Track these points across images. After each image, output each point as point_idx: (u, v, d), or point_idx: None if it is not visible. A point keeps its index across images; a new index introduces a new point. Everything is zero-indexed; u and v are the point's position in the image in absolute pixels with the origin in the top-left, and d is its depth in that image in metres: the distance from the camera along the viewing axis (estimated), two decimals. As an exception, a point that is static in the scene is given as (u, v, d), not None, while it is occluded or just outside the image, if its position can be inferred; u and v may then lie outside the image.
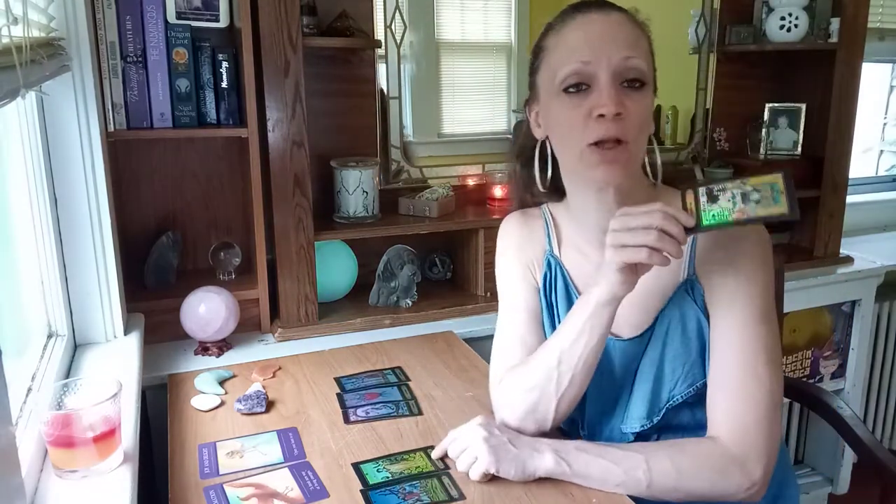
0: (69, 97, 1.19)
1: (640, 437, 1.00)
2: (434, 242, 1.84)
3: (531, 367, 0.98)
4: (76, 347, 1.26)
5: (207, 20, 1.46)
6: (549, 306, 1.07)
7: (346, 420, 1.15)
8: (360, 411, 1.18)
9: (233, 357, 1.44)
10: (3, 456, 0.68)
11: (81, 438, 0.85)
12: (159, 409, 1.28)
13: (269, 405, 1.19)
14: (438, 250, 1.87)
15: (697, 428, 0.97)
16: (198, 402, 1.20)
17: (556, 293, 1.07)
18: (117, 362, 1.21)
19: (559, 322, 1.06)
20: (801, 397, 1.38)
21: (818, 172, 2.05)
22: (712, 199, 0.86)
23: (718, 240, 0.96)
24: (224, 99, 1.49)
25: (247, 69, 1.45)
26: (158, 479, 1.27)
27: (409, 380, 1.31)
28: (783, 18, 1.98)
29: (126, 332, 1.32)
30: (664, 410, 0.97)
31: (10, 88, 0.78)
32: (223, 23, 1.47)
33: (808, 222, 2.10)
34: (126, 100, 1.40)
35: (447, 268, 1.88)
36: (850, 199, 2.12)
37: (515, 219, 1.13)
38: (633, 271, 0.89)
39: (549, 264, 1.07)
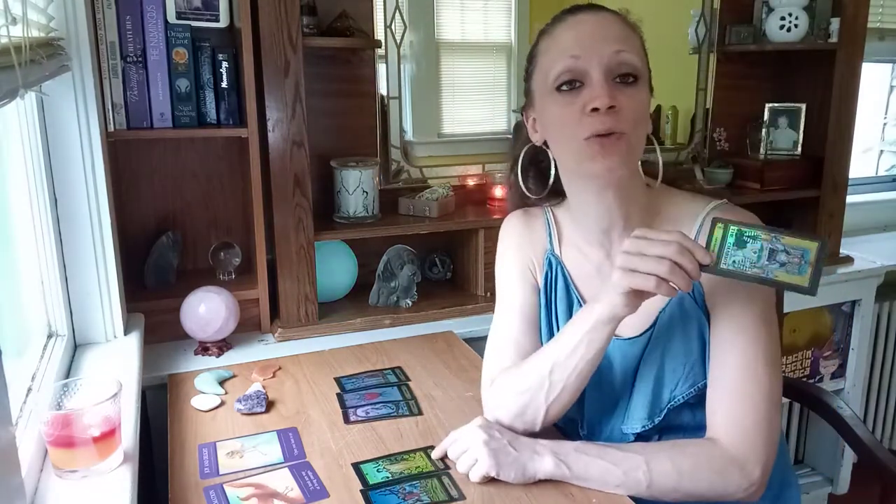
0: (69, 97, 1.19)
1: (641, 437, 0.99)
2: (434, 242, 1.84)
3: (524, 372, 0.99)
4: (76, 347, 1.26)
5: (207, 20, 1.46)
6: (548, 304, 1.07)
7: (346, 420, 1.15)
8: (360, 411, 1.18)
9: (233, 357, 1.44)
10: (3, 456, 0.68)
11: (81, 438, 0.85)
12: (159, 409, 1.28)
13: (269, 405, 1.19)
14: (438, 250, 1.87)
15: (698, 429, 0.97)
16: (198, 402, 1.20)
17: (555, 292, 1.07)
18: (117, 362, 1.21)
19: (556, 321, 1.06)
20: (801, 397, 1.38)
21: (818, 172, 2.05)
22: (740, 244, 0.84)
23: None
24: (224, 99, 1.49)
25: (247, 69, 1.45)
26: (158, 479, 1.27)
27: (409, 380, 1.31)
28: (783, 18, 1.98)
29: (126, 332, 1.32)
30: (665, 411, 0.97)
31: (9, 88, 0.78)
32: (223, 23, 1.47)
33: (808, 222, 2.10)
34: (126, 100, 1.40)
35: (447, 268, 1.88)
36: (850, 199, 2.13)
37: (517, 217, 1.13)
38: (637, 296, 0.87)
39: (549, 263, 1.07)
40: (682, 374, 0.96)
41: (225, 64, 1.47)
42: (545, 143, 1.01)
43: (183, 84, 1.44)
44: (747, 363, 0.91)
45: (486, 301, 1.72)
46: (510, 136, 1.94)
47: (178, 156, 1.62)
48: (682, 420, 0.99)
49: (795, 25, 1.97)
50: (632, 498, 0.91)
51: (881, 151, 2.81)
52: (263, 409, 1.17)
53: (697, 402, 0.97)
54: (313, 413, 1.18)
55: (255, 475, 0.98)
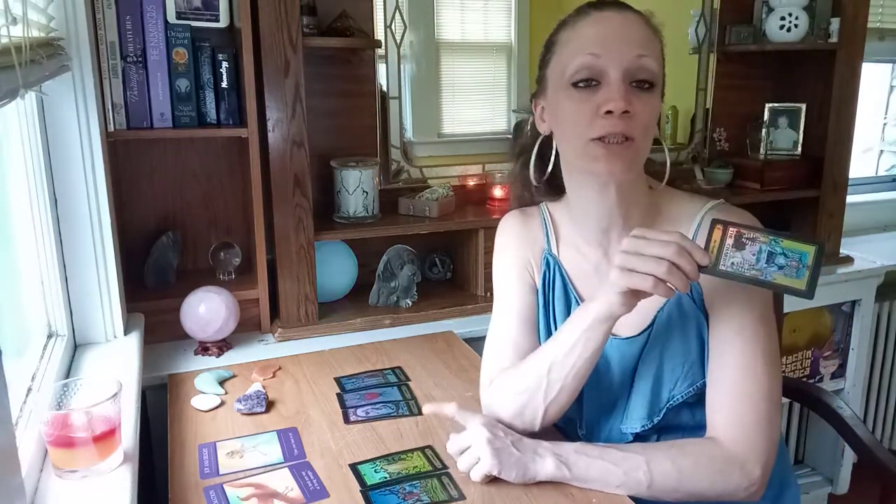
0: (69, 97, 1.19)
1: (640, 437, 0.99)
2: (434, 242, 1.84)
3: (522, 371, 0.99)
4: (76, 347, 1.26)
5: (207, 20, 1.46)
6: (546, 305, 1.07)
7: (346, 420, 1.15)
8: (360, 411, 1.18)
9: (233, 357, 1.44)
10: (3, 456, 0.68)
11: (81, 438, 0.85)
12: (159, 409, 1.28)
13: (269, 405, 1.19)
14: (438, 250, 1.87)
15: (697, 428, 0.97)
16: (198, 402, 1.20)
17: (553, 292, 1.07)
18: (117, 362, 1.21)
19: (554, 321, 1.06)
20: (801, 397, 1.38)
21: (818, 172, 2.05)
22: (739, 245, 0.84)
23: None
24: (224, 99, 1.49)
25: (247, 69, 1.45)
26: (158, 479, 1.27)
27: (409, 380, 1.31)
28: (783, 18, 1.98)
29: (126, 332, 1.32)
30: (664, 410, 0.97)
31: (9, 88, 0.78)
32: (223, 23, 1.47)
33: (808, 222, 2.10)
34: (126, 100, 1.41)
35: (447, 268, 1.88)
36: (850, 199, 2.13)
37: (514, 217, 1.13)
38: (634, 295, 0.87)
39: (547, 263, 1.07)
40: (680, 373, 0.96)
41: (225, 64, 1.47)
42: (551, 133, 1.01)
43: (183, 84, 1.44)
44: (747, 363, 0.91)
45: (485, 301, 1.71)
46: (510, 136, 1.94)
47: (178, 156, 1.62)
48: (680, 420, 0.99)
49: (795, 25, 1.97)
50: (632, 498, 0.91)
51: (881, 151, 2.81)
52: (263, 409, 1.17)
53: (696, 401, 0.97)
54: (313, 413, 1.18)
55: (255, 475, 0.98)
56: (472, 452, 0.95)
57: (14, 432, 0.74)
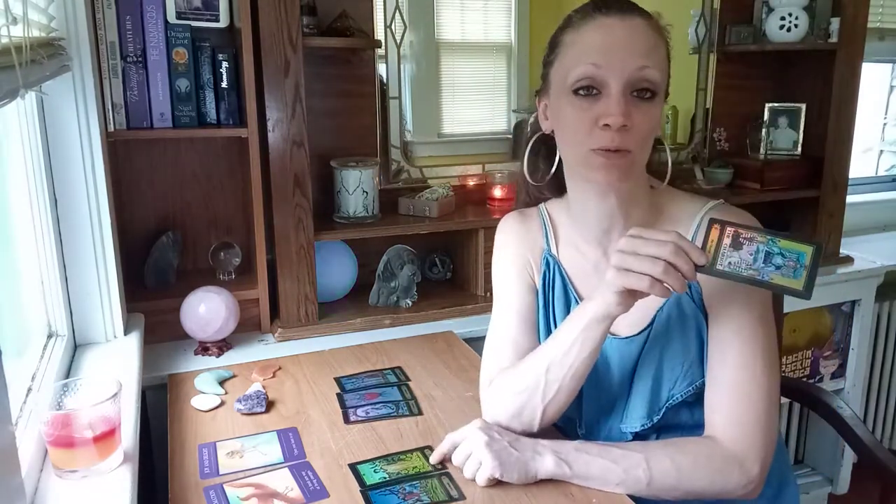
0: (69, 97, 1.19)
1: (639, 436, 0.99)
2: (434, 242, 1.84)
3: (520, 371, 0.99)
4: (76, 347, 1.26)
5: (207, 20, 1.46)
6: (546, 305, 1.07)
7: (346, 420, 1.15)
8: (360, 411, 1.18)
9: (233, 357, 1.44)
10: (3, 456, 0.68)
11: (81, 438, 0.85)
12: (159, 409, 1.28)
13: (269, 405, 1.19)
14: (438, 250, 1.87)
15: (696, 427, 0.97)
16: (198, 402, 1.20)
17: (553, 292, 1.07)
18: (117, 362, 1.21)
19: (554, 321, 1.06)
20: (801, 397, 1.38)
21: (818, 172, 2.05)
22: (736, 245, 0.84)
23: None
24: (224, 99, 1.49)
25: (247, 69, 1.45)
26: (158, 479, 1.27)
27: (409, 380, 1.31)
28: (783, 18, 1.98)
29: (126, 332, 1.32)
30: (664, 410, 0.97)
31: (9, 88, 0.78)
32: (223, 23, 1.47)
33: (808, 222, 2.10)
34: (126, 100, 1.41)
35: (447, 268, 1.88)
36: (850, 199, 2.13)
37: (513, 218, 1.13)
38: (631, 295, 0.88)
39: (547, 263, 1.07)
40: (680, 372, 0.97)
41: (225, 64, 1.47)
42: (553, 132, 1.01)
43: (183, 84, 1.44)
44: (746, 362, 0.91)
45: (486, 301, 1.71)
46: (510, 136, 1.94)
47: (178, 156, 1.62)
48: (680, 419, 0.99)
49: (795, 25, 1.97)
50: (631, 497, 0.91)
51: (881, 151, 2.81)
52: (263, 409, 1.17)
53: (695, 400, 0.97)
54: (313, 413, 1.18)
55: (255, 475, 0.98)
56: (473, 458, 0.95)
57: (14, 432, 0.74)
